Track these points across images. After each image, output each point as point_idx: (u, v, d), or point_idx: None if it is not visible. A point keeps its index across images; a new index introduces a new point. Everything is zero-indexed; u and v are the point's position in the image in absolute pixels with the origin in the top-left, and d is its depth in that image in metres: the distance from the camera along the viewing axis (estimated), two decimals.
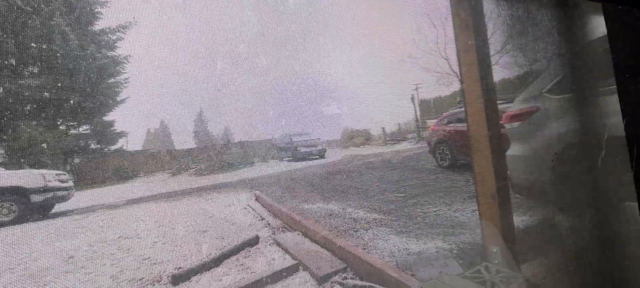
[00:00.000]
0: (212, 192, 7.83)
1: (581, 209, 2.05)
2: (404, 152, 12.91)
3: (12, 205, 6.27)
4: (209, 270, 2.65)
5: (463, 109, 2.00)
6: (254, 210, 4.82)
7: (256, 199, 5.62)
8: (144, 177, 15.80)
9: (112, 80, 17.11)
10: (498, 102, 2.37)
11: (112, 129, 17.26)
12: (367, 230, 3.34)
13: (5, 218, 6.18)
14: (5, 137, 12.34)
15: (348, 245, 2.46)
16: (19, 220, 6.26)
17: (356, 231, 3.35)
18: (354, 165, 10.27)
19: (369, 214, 3.98)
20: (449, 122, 7.06)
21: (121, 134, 17.76)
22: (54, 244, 4.15)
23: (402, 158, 10.47)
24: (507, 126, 2.88)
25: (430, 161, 7.94)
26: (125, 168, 15.75)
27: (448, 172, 6.50)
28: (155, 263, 2.95)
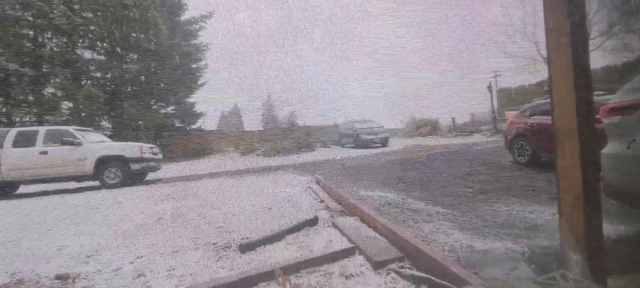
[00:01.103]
0: (276, 172, 8.29)
1: None
2: (476, 145, 11.99)
3: (117, 171, 7.50)
4: (271, 243, 2.86)
5: (549, 99, 1.78)
6: (314, 192, 5.00)
7: (317, 182, 5.80)
8: (218, 154, 17.36)
9: (194, 65, 18.90)
10: (596, 92, 2.05)
11: (193, 110, 19.20)
12: (428, 222, 3.24)
13: (112, 182, 7.42)
14: (112, 114, 14.61)
15: (407, 235, 2.41)
16: (121, 184, 7.48)
17: (416, 222, 3.26)
18: (419, 155, 9.89)
19: (431, 207, 3.84)
20: (532, 114, 6.29)
21: (200, 115, 19.59)
22: (147, 207, 4.86)
23: (474, 151, 9.74)
24: (605, 121, 2.49)
25: (506, 156, 7.26)
26: (203, 145, 17.52)
27: (526, 169, 5.86)
28: (226, 232, 3.28)
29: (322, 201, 4.40)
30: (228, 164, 13.22)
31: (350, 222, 3.22)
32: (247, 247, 2.74)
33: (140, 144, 8.17)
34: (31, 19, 14.62)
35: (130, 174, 7.59)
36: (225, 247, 2.85)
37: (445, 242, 2.63)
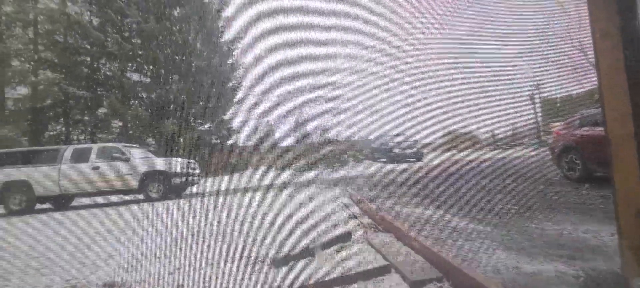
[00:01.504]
0: (309, 187, 8.32)
1: None
2: (519, 159, 11.28)
3: (159, 185, 7.92)
4: (304, 258, 2.84)
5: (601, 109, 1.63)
6: (347, 207, 4.93)
7: (350, 197, 5.73)
8: (252, 169, 17.84)
9: (229, 84, 19.86)
10: None
11: (229, 126, 20.04)
12: (468, 241, 3.05)
13: (155, 195, 7.84)
14: (156, 131, 15.57)
15: (446, 253, 2.29)
16: (163, 197, 7.88)
17: (455, 241, 3.09)
18: (456, 170, 9.48)
19: (471, 225, 3.62)
20: (582, 125, 5.80)
21: (235, 131, 20.45)
22: (185, 220, 5.07)
23: (516, 166, 9.16)
24: None
25: (553, 170, 6.74)
26: (237, 160, 18.11)
27: (577, 185, 5.40)
28: (260, 246, 3.32)
29: (355, 216, 4.33)
30: (262, 179, 13.51)
31: (384, 239, 3.13)
32: (280, 262, 2.75)
33: (179, 159, 8.60)
34: (89, 47, 16.25)
35: (171, 188, 7.99)
36: (259, 260, 2.88)
37: (488, 263, 2.46)
